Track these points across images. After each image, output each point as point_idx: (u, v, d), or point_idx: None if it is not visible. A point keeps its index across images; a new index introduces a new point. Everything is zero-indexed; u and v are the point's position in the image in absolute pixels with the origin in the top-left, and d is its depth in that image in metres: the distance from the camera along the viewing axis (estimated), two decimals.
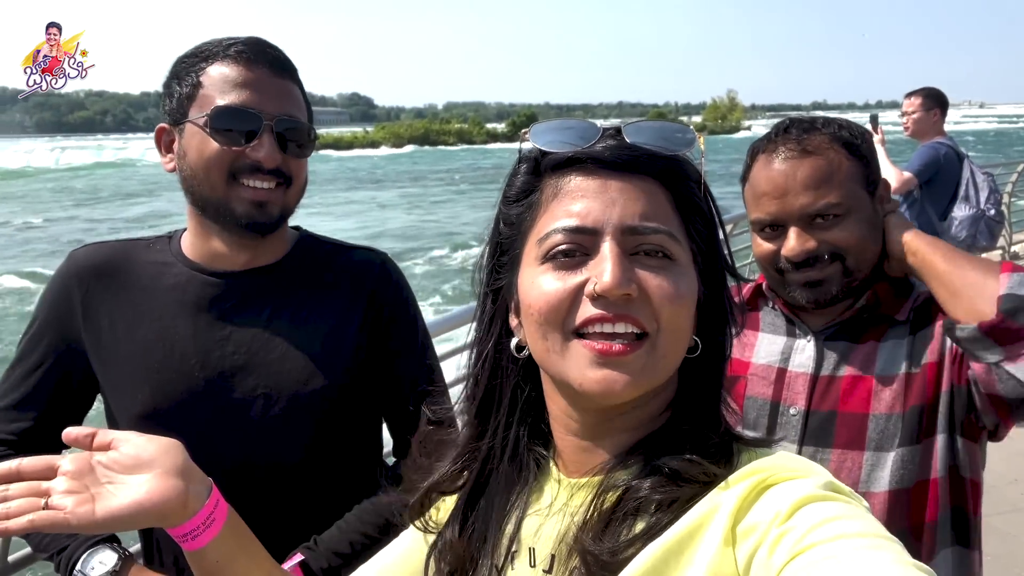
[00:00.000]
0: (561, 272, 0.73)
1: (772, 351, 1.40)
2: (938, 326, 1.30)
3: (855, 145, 1.33)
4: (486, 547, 0.82)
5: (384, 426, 1.46)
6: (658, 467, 0.72)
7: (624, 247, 0.72)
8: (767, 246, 1.35)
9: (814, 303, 1.34)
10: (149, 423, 1.26)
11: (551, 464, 0.83)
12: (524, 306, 0.76)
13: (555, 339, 0.73)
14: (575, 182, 0.75)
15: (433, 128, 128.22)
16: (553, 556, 0.76)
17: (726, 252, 0.81)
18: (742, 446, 0.75)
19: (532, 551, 0.79)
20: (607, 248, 0.71)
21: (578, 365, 0.72)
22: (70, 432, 0.88)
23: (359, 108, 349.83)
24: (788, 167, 1.29)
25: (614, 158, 0.74)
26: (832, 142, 1.30)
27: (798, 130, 1.32)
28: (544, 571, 0.77)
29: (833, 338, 1.36)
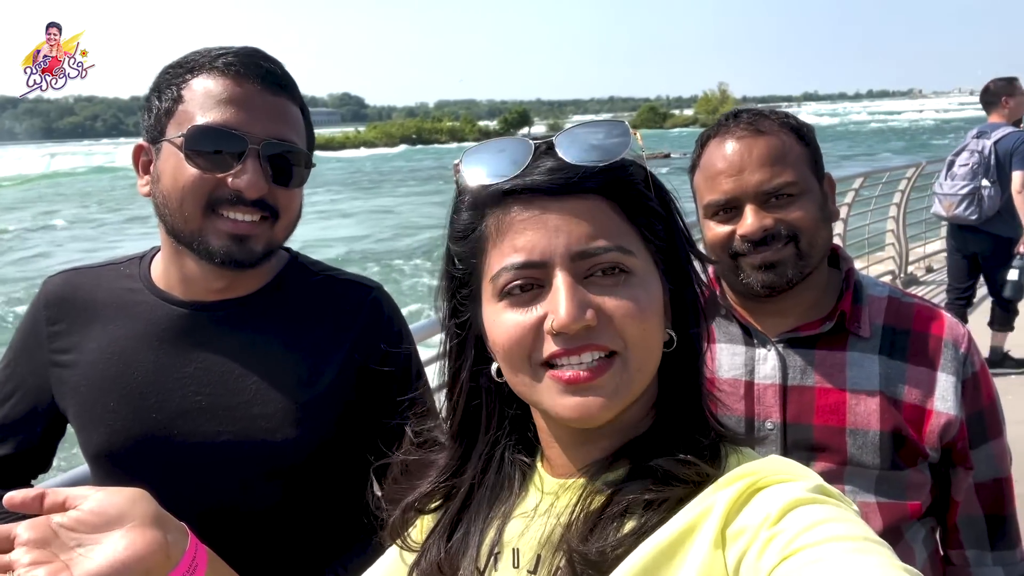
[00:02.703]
0: (518, 309, 0.72)
1: (735, 363, 1.38)
2: (920, 375, 1.30)
3: (803, 132, 1.34)
4: (468, 552, 0.81)
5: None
6: (648, 468, 0.72)
7: (576, 273, 0.71)
8: (721, 230, 1.32)
9: (770, 288, 1.31)
10: (104, 464, 1.20)
11: (537, 465, 0.83)
12: (491, 343, 0.76)
13: (525, 372, 0.73)
14: (515, 214, 0.73)
15: (425, 127, 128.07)
16: (539, 556, 0.76)
17: (686, 240, 0.80)
18: (729, 447, 0.76)
19: (516, 552, 0.78)
20: (559, 280, 0.70)
21: (551, 395, 0.72)
22: (13, 496, 0.78)
23: (350, 108, 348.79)
24: (743, 145, 1.30)
25: (550, 185, 0.72)
26: (782, 127, 1.33)
27: (748, 115, 1.34)
28: (529, 572, 0.77)
29: (790, 345, 1.35)
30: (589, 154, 0.73)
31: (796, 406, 1.32)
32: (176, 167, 1.12)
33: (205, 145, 1.11)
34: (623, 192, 0.74)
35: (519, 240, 0.72)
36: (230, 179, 1.11)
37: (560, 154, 0.73)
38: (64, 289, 1.28)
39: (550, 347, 0.71)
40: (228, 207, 1.13)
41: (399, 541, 0.88)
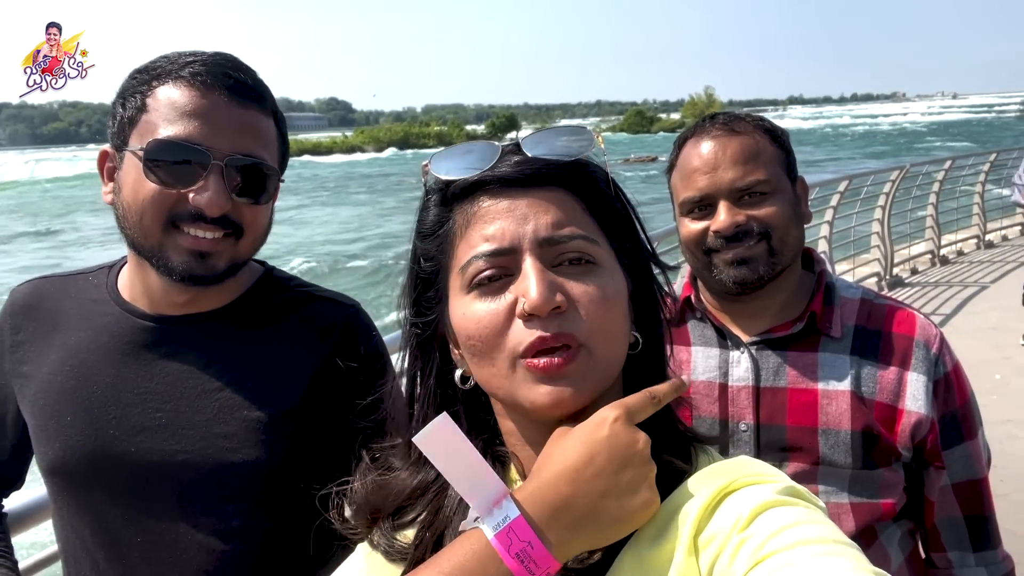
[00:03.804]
0: (488, 298, 0.73)
1: (709, 366, 1.40)
2: (891, 375, 1.31)
3: (776, 134, 1.38)
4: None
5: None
6: None
7: (545, 260, 0.72)
8: (695, 227, 1.36)
9: (742, 284, 1.33)
10: (58, 480, 1.16)
11: (511, 470, 0.82)
12: (462, 338, 0.75)
13: (500, 364, 0.72)
14: (484, 206, 0.75)
15: (412, 131, 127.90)
16: None
17: (646, 241, 0.82)
18: (698, 446, 0.77)
19: None
20: (528, 265, 0.71)
21: (526, 385, 0.72)
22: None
23: (337, 113, 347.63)
24: (718, 144, 1.34)
25: (518, 175, 0.74)
26: (756, 128, 1.36)
27: (724, 117, 1.39)
28: None
29: (763, 346, 1.37)
30: (555, 151, 0.75)
31: (769, 407, 1.34)
32: (136, 179, 1.08)
33: (166, 159, 1.06)
34: (587, 188, 0.77)
35: (488, 229, 0.73)
36: (191, 195, 1.06)
37: (526, 151, 0.76)
38: (30, 297, 1.25)
39: (523, 334, 0.71)
40: (189, 223, 1.08)
41: (383, 544, 0.81)
